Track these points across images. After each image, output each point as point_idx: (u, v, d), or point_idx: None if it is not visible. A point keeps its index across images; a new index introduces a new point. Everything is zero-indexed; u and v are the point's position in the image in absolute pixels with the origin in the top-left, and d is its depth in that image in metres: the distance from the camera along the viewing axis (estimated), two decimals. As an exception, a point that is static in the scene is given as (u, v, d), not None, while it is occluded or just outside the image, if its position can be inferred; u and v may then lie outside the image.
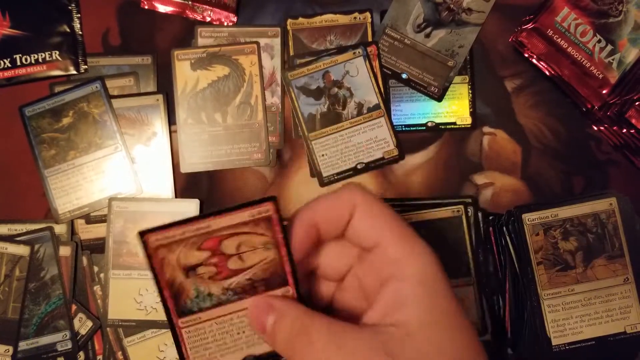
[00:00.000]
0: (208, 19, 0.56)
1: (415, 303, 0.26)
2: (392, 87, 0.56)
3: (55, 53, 0.55)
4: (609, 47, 0.53)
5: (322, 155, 0.55)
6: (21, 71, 0.55)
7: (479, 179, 0.56)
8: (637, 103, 0.51)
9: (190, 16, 0.56)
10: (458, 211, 0.53)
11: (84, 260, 0.54)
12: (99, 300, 0.53)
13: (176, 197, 0.55)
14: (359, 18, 0.56)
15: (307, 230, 0.28)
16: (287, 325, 0.26)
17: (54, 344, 0.52)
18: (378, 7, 0.56)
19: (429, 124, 0.56)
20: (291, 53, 0.56)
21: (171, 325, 0.29)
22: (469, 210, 0.53)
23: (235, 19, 0.56)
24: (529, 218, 0.52)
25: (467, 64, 0.56)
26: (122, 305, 0.53)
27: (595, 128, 0.56)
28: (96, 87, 0.54)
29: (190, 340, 0.29)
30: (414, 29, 0.56)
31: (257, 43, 0.56)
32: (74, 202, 0.54)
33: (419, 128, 0.56)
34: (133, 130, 0.55)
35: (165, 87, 0.56)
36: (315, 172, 0.55)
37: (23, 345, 0.52)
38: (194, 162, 0.55)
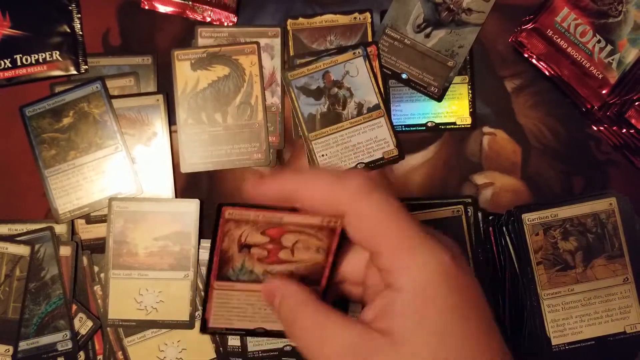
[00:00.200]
0: (208, 19, 0.56)
1: (405, 316, 0.25)
2: (392, 87, 0.56)
3: (56, 53, 0.55)
4: (609, 48, 0.53)
5: (322, 155, 0.55)
6: (21, 71, 0.55)
7: (479, 179, 0.56)
8: (636, 103, 0.51)
9: (191, 16, 0.56)
10: (458, 211, 0.53)
11: (84, 260, 0.54)
12: (99, 300, 0.53)
13: (176, 197, 0.55)
14: (359, 18, 0.56)
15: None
16: (288, 306, 0.28)
17: (54, 343, 0.52)
18: (378, 7, 0.57)
19: (429, 124, 0.56)
20: (291, 53, 0.56)
21: (207, 283, 0.32)
22: (468, 210, 0.53)
23: (235, 19, 0.56)
24: (529, 218, 0.52)
25: (467, 64, 0.56)
26: (122, 305, 0.53)
27: (595, 128, 0.56)
28: (96, 87, 0.55)
29: (217, 301, 0.32)
30: (414, 29, 0.56)
31: (257, 43, 0.56)
32: (74, 202, 0.54)
33: (419, 128, 0.56)
34: (133, 131, 0.55)
35: (166, 87, 0.56)
36: (315, 172, 0.55)
37: (23, 345, 0.52)
38: (194, 162, 0.55)
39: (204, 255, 0.53)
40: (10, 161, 0.55)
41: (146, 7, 0.56)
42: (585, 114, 0.56)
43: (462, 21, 0.55)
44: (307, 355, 0.26)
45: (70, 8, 0.56)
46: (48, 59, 0.55)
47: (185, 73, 0.55)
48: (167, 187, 0.55)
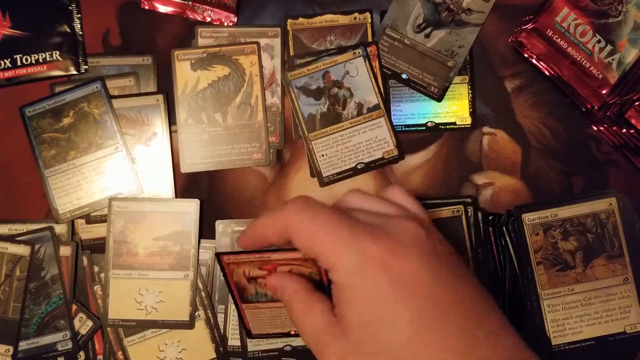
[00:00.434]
0: (208, 19, 0.56)
1: (342, 305, 0.29)
2: (392, 87, 0.56)
3: (56, 53, 0.55)
4: (609, 48, 0.53)
5: (322, 155, 0.55)
6: (22, 71, 0.55)
7: (479, 179, 0.56)
8: (636, 103, 0.51)
9: (191, 16, 0.56)
10: (458, 211, 0.53)
11: (84, 260, 0.54)
12: (99, 300, 0.53)
13: (176, 197, 0.55)
14: (359, 18, 0.56)
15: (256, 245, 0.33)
16: (286, 295, 0.33)
17: (55, 343, 0.52)
18: (378, 7, 0.57)
19: (429, 124, 0.56)
20: (291, 53, 0.56)
21: (237, 306, 0.38)
22: (468, 210, 0.53)
23: (235, 19, 0.56)
24: (529, 218, 0.52)
25: (467, 64, 0.56)
26: (122, 305, 0.53)
27: (595, 128, 0.56)
28: (96, 87, 0.55)
29: (249, 314, 0.39)
30: (413, 29, 0.56)
31: (257, 43, 0.56)
32: (74, 202, 0.54)
33: (419, 128, 0.56)
34: (133, 131, 0.55)
35: (166, 87, 0.56)
36: (315, 172, 0.55)
37: (23, 345, 0.52)
38: (194, 162, 0.55)
39: (204, 255, 0.54)
40: (10, 161, 0.55)
41: (146, 7, 0.56)
42: (585, 114, 0.56)
43: (462, 21, 0.56)
44: (299, 333, 0.31)
45: (70, 8, 0.56)
46: (48, 59, 0.55)
47: (185, 73, 0.55)
48: (167, 187, 0.55)
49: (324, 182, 0.55)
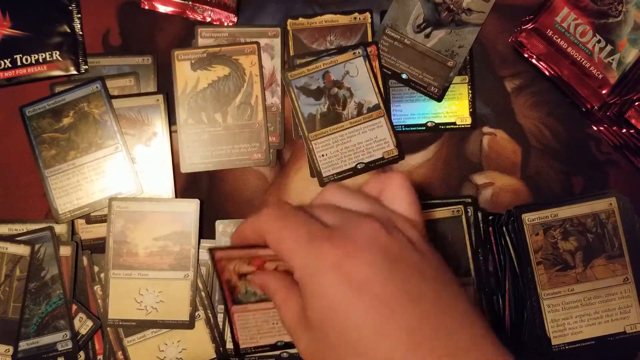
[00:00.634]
0: (208, 19, 0.56)
1: (306, 303, 0.30)
2: (392, 87, 0.56)
3: (56, 53, 0.55)
4: (609, 48, 0.53)
5: (322, 155, 0.55)
6: (22, 71, 0.55)
7: (479, 179, 0.56)
8: (636, 103, 0.51)
9: (191, 16, 0.56)
10: (458, 211, 0.53)
11: (84, 260, 0.54)
12: (99, 300, 0.53)
13: (176, 197, 0.55)
14: (359, 18, 0.56)
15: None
16: (270, 290, 0.35)
17: (54, 343, 0.52)
18: (378, 7, 0.57)
19: (429, 124, 0.56)
20: (291, 53, 0.56)
21: (227, 312, 0.40)
22: (468, 210, 0.53)
23: (235, 19, 0.56)
24: (529, 218, 0.52)
25: (467, 64, 0.56)
26: (122, 305, 0.53)
27: (595, 128, 0.56)
28: (96, 87, 0.55)
29: (239, 323, 0.39)
30: (413, 29, 0.56)
31: (257, 43, 0.56)
32: (74, 202, 0.54)
33: (419, 128, 0.56)
34: (133, 131, 0.55)
35: (166, 87, 0.56)
36: (315, 172, 0.55)
37: (23, 345, 0.52)
38: (194, 162, 0.55)
39: (204, 255, 0.54)
40: (11, 161, 0.55)
41: (146, 7, 0.56)
42: (585, 114, 0.56)
43: (462, 21, 0.56)
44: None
45: (70, 8, 0.56)
46: (48, 59, 0.55)
47: (185, 73, 0.55)
48: (167, 187, 0.55)
49: (324, 182, 0.55)
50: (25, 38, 0.55)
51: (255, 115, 0.55)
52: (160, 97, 0.55)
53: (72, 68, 0.55)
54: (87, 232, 0.55)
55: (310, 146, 0.55)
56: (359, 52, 0.55)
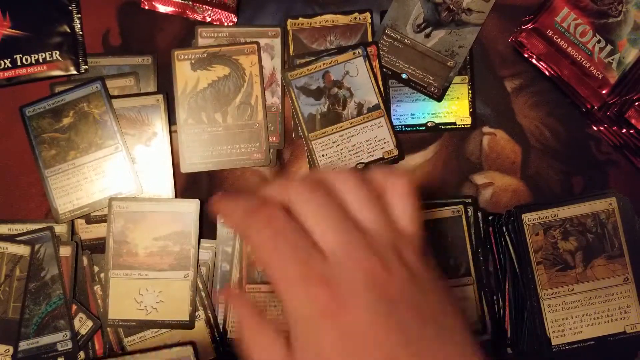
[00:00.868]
0: (208, 19, 0.56)
1: (298, 347, 0.28)
2: (392, 87, 0.56)
3: (56, 53, 0.55)
4: (609, 47, 0.53)
5: (322, 155, 0.55)
6: (22, 71, 0.55)
7: (479, 179, 0.56)
8: (636, 103, 0.51)
9: (191, 16, 0.56)
10: (458, 211, 0.53)
11: (84, 260, 0.54)
12: (99, 300, 0.53)
13: (176, 197, 0.55)
14: (359, 18, 0.56)
15: None
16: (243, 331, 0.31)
17: (54, 343, 0.52)
18: (378, 7, 0.57)
19: (429, 124, 0.56)
20: (291, 53, 0.56)
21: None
22: (468, 210, 0.53)
23: (235, 19, 0.56)
24: (529, 218, 0.52)
25: (467, 64, 0.56)
26: (122, 305, 0.53)
27: (595, 128, 0.56)
28: (96, 87, 0.55)
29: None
30: (413, 29, 0.56)
31: (257, 43, 0.56)
32: (74, 202, 0.54)
33: (419, 128, 0.56)
34: (133, 131, 0.55)
35: (166, 87, 0.56)
36: (315, 172, 0.55)
37: (23, 345, 0.52)
38: (194, 162, 0.55)
39: (204, 255, 0.53)
40: (11, 161, 0.55)
41: (146, 7, 0.56)
42: (585, 114, 0.56)
43: (462, 21, 0.56)
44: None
45: (70, 8, 0.56)
46: (48, 59, 0.55)
47: (185, 73, 0.55)
48: (167, 187, 0.55)
49: (324, 182, 0.55)
50: (25, 38, 0.55)
51: (255, 115, 0.55)
52: (160, 97, 0.55)
53: (72, 68, 0.55)
54: (87, 232, 0.55)
55: (310, 146, 0.55)
56: (359, 52, 0.55)
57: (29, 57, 0.55)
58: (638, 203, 0.53)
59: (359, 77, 0.55)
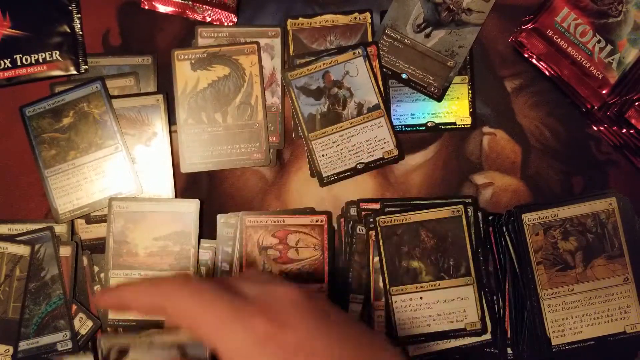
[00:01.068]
0: (208, 19, 0.56)
1: None
2: (392, 87, 0.56)
3: (56, 53, 0.55)
4: (609, 47, 0.53)
5: (322, 155, 0.55)
6: (21, 71, 0.55)
7: (479, 179, 0.56)
8: (636, 103, 0.51)
9: (191, 16, 0.56)
10: (458, 211, 0.53)
11: (84, 260, 0.54)
12: (99, 300, 0.53)
13: (176, 197, 0.55)
14: (359, 18, 0.56)
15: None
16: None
17: (55, 343, 0.52)
18: (378, 7, 0.57)
19: (429, 124, 0.56)
20: (291, 53, 0.56)
21: None
22: (468, 210, 0.53)
23: (235, 19, 0.56)
24: (529, 218, 0.52)
25: (467, 64, 0.56)
26: (123, 305, 0.53)
27: (595, 128, 0.56)
28: (96, 87, 0.55)
29: None
30: (413, 29, 0.56)
31: (257, 43, 0.56)
32: (74, 202, 0.54)
33: (419, 128, 0.56)
34: (133, 131, 0.55)
35: (166, 87, 0.56)
36: (315, 172, 0.55)
37: (23, 345, 0.52)
38: (194, 162, 0.55)
39: (204, 255, 0.53)
40: (11, 161, 0.55)
41: (146, 7, 0.56)
42: (585, 114, 0.56)
43: (462, 21, 0.56)
44: None
45: (70, 8, 0.56)
46: (48, 59, 0.55)
47: (185, 73, 0.55)
48: (167, 187, 0.55)
49: (324, 182, 0.55)
50: (25, 38, 0.55)
51: (255, 115, 0.55)
52: (160, 97, 0.55)
53: (72, 68, 0.55)
54: (87, 232, 0.55)
55: (310, 146, 0.55)
56: (359, 52, 0.55)
57: (29, 57, 0.55)
58: (638, 203, 0.53)
59: (359, 77, 0.55)
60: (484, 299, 0.52)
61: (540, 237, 0.52)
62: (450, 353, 0.52)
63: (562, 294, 0.51)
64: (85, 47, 0.56)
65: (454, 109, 0.56)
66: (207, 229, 0.54)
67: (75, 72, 0.56)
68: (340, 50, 0.55)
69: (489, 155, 0.56)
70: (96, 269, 0.54)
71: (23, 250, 0.52)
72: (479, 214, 0.54)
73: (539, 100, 0.56)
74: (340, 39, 0.56)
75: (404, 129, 0.56)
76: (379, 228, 0.52)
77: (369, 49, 0.55)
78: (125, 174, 0.54)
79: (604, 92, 0.54)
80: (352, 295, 0.52)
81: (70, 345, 0.52)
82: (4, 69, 0.55)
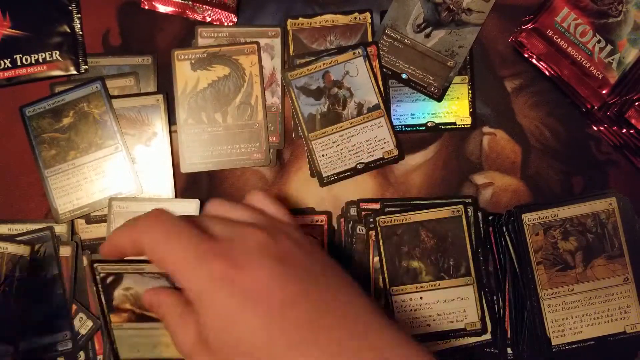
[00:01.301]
0: (208, 19, 0.56)
1: (201, 322, 0.30)
2: (392, 87, 0.56)
3: (56, 53, 0.55)
4: (609, 47, 0.53)
5: (322, 155, 0.55)
6: (21, 71, 0.55)
7: (479, 179, 0.56)
8: (636, 103, 0.51)
9: (191, 16, 0.56)
10: (458, 211, 0.53)
11: (84, 260, 0.54)
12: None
13: (176, 197, 0.55)
14: (359, 18, 0.56)
15: (114, 253, 0.34)
16: (161, 310, 0.35)
17: (55, 343, 0.52)
18: (378, 7, 0.57)
19: (429, 124, 0.56)
20: (291, 53, 0.56)
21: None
22: (468, 210, 0.53)
23: (235, 19, 0.56)
24: (529, 218, 0.52)
25: (467, 64, 0.56)
26: (123, 305, 0.53)
27: (595, 128, 0.56)
28: (96, 87, 0.55)
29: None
30: (413, 29, 0.56)
31: (257, 43, 0.56)
32: (74, 202, 0.54)
33: (419, 128, 0.56)
34: (133, 131, 0.55)
35: (166, 87, 0.56)
36: (315, 172, 0.55)
37: (23, 345, 0.52)
38: (194, 162, 0.55)
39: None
40: (10, 161, 0.55)
41: (146, 7, 0.56)
42: (585, 114, 0.56)
43: (462, 21, 0.56)
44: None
45: (70, 8, 0.56)
46: (48, 59, 0.55)
47: (185, 73, 0.55)
48: (167, 187, 0.55)
49: (324, 182, 0.55)
50: (25, 38, 0.55)
51: (255, 115, 0.55)
52: (160, 97, 0.55)
53: (72, 68, 0.55)
54: (87, 232, 0.55)
55: (310, 146, 0.55)
56: (359, 52, 0.55)
57: (29, 57, 0.55)
58: (638, 203, 0.53)
59: (359, 77, 0.55)
60: (484, 299, 0.52)
61: (540, 237, 0.52)
62: (450, 353, 0.52)
63: (562, 294, 0.51)
64: (85, 47, 0.56)
65: (454, 109, 0.56)
66: (207, 229, 0.54)
67: (75, 72, 0.56)
68: (340, 50, 0.55)
69: (489, 155, 0.56)
70: (96, 269, 0.54)
71: (23, 250, 0.52)
72: (479, 214, 0.54)
73: (539, 100, 0.56)
74: (340, 39, 0.56)
75: (404, 129, 0.56)
76: (379, 228, 0.52)
77: (369, 49, 0.55)
78: (125, 174, 0.54)
79: (604, 92, 0.54)
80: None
81: (70, 346, 0.52)
82: (4, 69, 0.55)
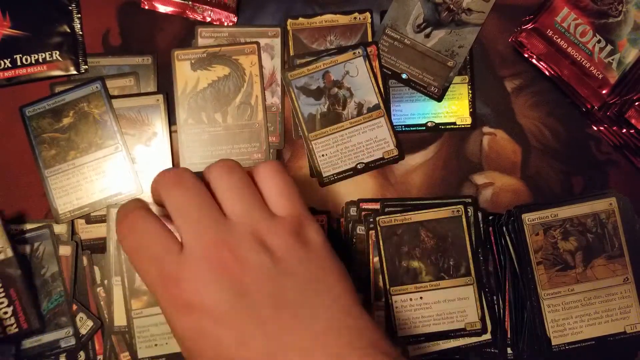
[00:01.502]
0: (208, 19, 0.56)
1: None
2: (392, 87, 0.56)
3: (56, 53, 0.55)
4: (609, 47, 0.53)
5: (322, 155, 0.55)
6: (21, 71, 0.55)
7: (479, 179, 0.56)
8: (636, 103, 0.51)
9: (191, 16, 0.56)
10: (458, 211, 0.53)
11: (84, 260, 0.54)
12: (103, 306, 0.53)
13: (176, 197, 0.55)
14: (359, 18, 0.56)
15: None
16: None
17: (58, 340, 0.52)
18: (378, 7, 0.56)
19: (429, 124, 0.56)
20: (291, 53, 0.56)
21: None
22: (468, 210, 0.53)
23: (235, 19, 0.56)
24: (529, 218, 0.52)
25: (467, 64, 0.56)
26: (123, 305, 0.53)
27: (595, 128, 0.56)
28: (96, 87, 0.55)
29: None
30: (413, 29, 0.56)
31: (257, 43, 0.56)
32: (74, 202, 0.54)
33: (419, 128, 0.56)
34: (133, 131, 0.55)
35: (166, 87, 0.56)
36: (315, 172, 0.55)
37: (26, 342, 0.52)
38: (194, 162, 0.55)
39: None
40: (10, 161, 0.55)
41: (146, 7, 0.56)
42: (585, 114, 0.56)
43: (462, 21, 0.55)
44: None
45: (70, 8, 0.56)
46: (48, 59, 0.55)
47: (185, 73, 0.55)
48: (167, 187, 0.55)
49: (324, 182, 0.55)
50: (25, 38, 0.55)
51: (255, 115, 0.55)
52: (160, 97, 0.55)
53: (72, 68, 0.55)
54: (87, 232, 0.55)
55: (310, 146, 0.55)
56: (359, 52, 0.55)
57: (29, 57, 0.55)
58: (638, 203, 0.53)
59: (359, 77, 0.55)
60: (484, 299, 0.52)
61: (540, 237, 0.52)
62: (450, 353, 0.53)
63: (562, 294, 0.51)
64: (85, 47, 0.56)
65: (454, 109, 0.56)
66: (207, 229, 0.54)
67: (75, 72, 0.56)
68: (340, 50, 0.55)
69: (489, 155, 0.56)
70: (96, 269, 0.54)
71: (22, 249, 0.52)
72: (479, 214, 0.54)
73: (539, 100, 0.56)
74: (340, 39, 0.56)
75: (404, 129, 0.56)
76: (379, 228, 0.52)
77: (369, 49, 0.55)
78: (125, 174, 0.54)
79: (604, 92, 0.54)
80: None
81: (73, 342, 0.52)
82: (4, 69, 0.55)
